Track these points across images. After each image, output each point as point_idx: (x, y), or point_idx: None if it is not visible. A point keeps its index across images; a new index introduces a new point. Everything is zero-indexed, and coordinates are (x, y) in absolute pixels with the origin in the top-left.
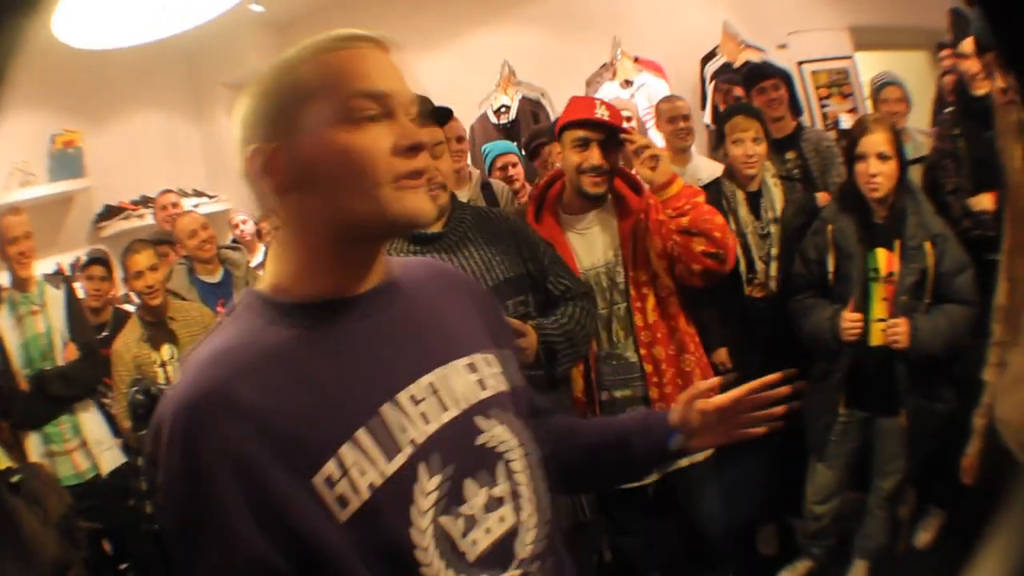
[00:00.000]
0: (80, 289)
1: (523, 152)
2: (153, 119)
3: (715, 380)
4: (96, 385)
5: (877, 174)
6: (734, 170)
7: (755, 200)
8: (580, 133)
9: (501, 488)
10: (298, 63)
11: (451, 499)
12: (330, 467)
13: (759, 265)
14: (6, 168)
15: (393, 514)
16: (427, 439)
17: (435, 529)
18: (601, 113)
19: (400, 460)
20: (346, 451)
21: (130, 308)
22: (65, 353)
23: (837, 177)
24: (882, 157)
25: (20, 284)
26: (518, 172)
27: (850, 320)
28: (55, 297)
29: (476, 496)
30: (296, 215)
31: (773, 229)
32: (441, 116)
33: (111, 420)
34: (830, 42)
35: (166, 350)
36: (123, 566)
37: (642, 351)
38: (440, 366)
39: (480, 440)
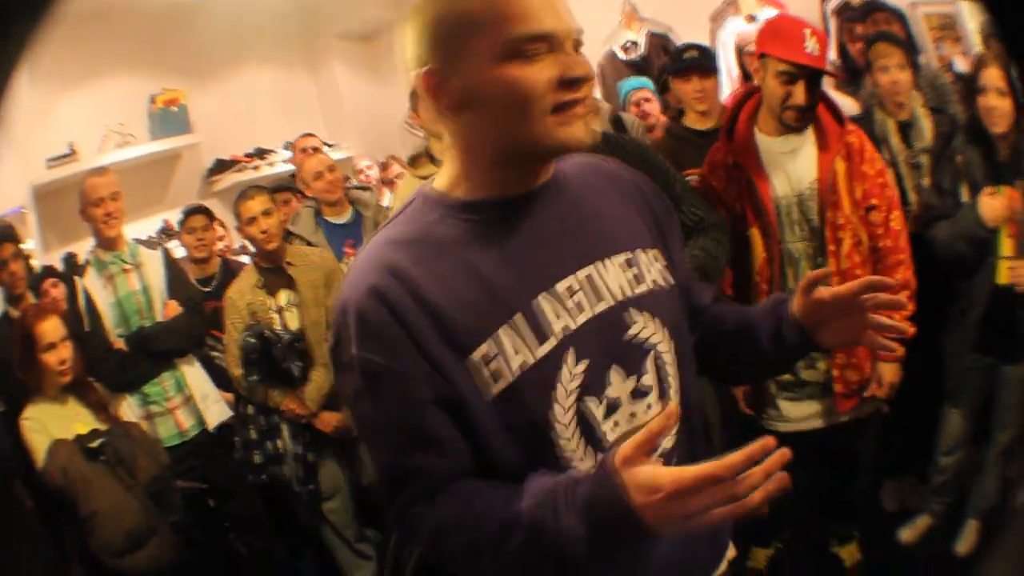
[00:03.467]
0: (180, 248)
1: (656, 86)
2: (263, 72)
3: (823, 270)
4: (202, 337)
5: (996, 107)
6: (883, 98)
7: (906, 130)
8: (787, 67)
9: (648, 378)
10: None
11: (595, 384)
12: (485, 347)
13: (912, 196)
14: (100, 131)
15: (537, 393)
16: (578, 328)
17: (576, 411)
18: (811, 48)
19: (550, 345)
20: (504, 334)
21: (244, 259)
22: (165, 311)
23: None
24: (1000, 92)
25: (107, 244)
26: (652, 107)
27: (992, 202)
28: (152, 257)
29: (622, 383)
30: (464, 132)
31: (923, 159)
32: None
33: (216, 375)
34: None
35: (283, 296)
36: (226, 524)
37: None
38: (597, 260)
39: (630, 332)
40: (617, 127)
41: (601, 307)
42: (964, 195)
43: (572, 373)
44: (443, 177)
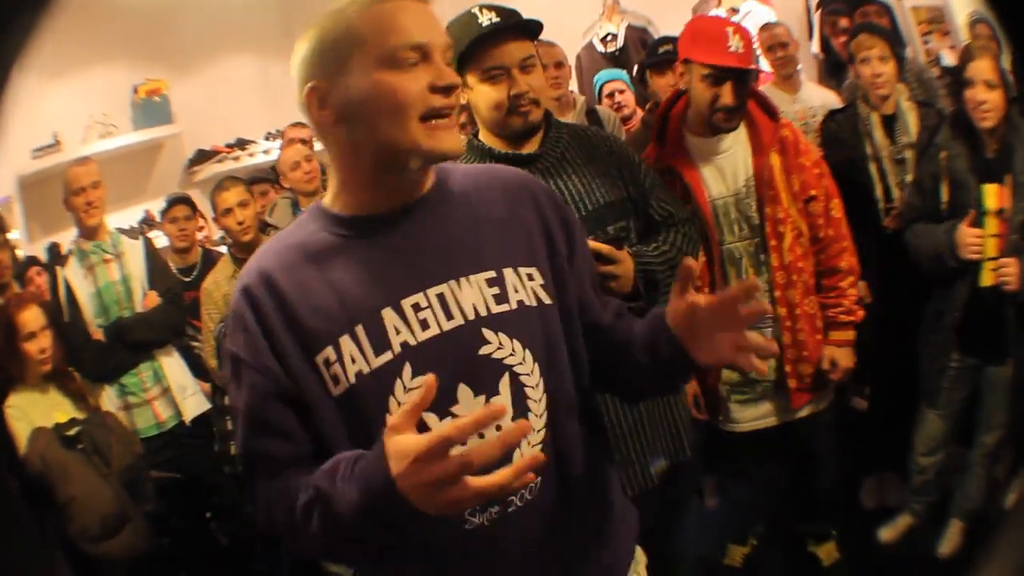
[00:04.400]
0: (163, 237)
1: (635, 79)
2: (244, 62)
3: (691, 263)
4: (181, 328)
5: (985, 101)
6: (866, 91)
7: (890, 124)
8: (711, 70)
9: (501, 398)
10: (351, 14)
11: (439, 400)
12: (328, 351)
13: (895, 192)
14: (84, 122)
15: (373, 401)
16: (419, 343)
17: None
18: (735, 47)
19: (387, 357)
20: (344, 342)
21: (224, 250)
22: (145, 301)
23: None
24: (989, 85)
25: (89, 233)
26: (626, 99)
27: (970, 235)
28: (133, 247)
29: (470, 402)
30: (344, 144)
31: (908, 154)
32: (531, 29)
33: (195, 366)
34: None
35: None
36: (207, 515)
37: (776, 293)
38: (455, 278)
39: (483, 351)
40: (592, 120)
41: (451, 325)
42: (944, 193)
43: (407, 386)
44: (329, 191)
